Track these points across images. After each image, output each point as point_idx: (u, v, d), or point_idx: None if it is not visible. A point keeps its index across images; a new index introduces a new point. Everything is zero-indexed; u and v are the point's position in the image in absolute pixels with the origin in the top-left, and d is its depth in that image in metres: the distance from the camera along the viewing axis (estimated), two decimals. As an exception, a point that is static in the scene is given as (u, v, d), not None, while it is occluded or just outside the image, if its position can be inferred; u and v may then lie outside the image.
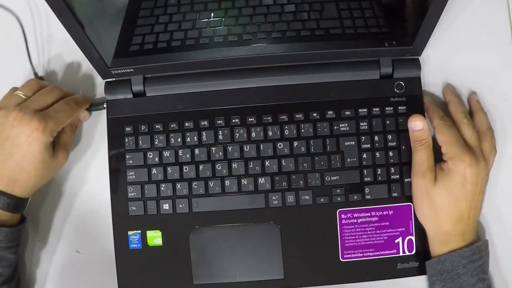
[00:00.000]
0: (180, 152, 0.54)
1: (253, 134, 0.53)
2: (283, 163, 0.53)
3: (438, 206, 0.48)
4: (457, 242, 0.48)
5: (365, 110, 0.53)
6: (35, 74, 0.56)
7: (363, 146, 0.53)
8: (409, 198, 0.52)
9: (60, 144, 0.53)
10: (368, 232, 0.52)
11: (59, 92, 0.53)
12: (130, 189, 0.53)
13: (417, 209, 0.51)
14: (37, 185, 0.52)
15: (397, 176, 0.52)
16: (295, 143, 0.53)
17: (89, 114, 0.56)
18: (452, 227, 0.48)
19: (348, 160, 0.53)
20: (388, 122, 0.53)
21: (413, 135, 0.50)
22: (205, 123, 0.54)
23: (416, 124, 0.50)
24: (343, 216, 0.52)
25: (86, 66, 0.53)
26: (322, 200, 0.52)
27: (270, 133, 0.53)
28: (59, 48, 0.58)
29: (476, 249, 0.48)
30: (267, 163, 0.53)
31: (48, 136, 0.49)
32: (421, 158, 0.49)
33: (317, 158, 0.53)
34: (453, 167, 0.48)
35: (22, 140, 0.48)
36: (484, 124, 0.52)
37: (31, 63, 0.56)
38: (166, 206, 0.53)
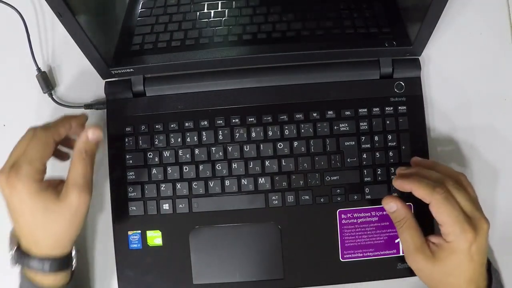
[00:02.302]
0: (180, 152, 0.53)
1: (253, 134, 0.53)
2: (283, 163, 0.53)
3: (445, 280, 0.45)
4: None
5: (365, 110, 0.53)
6: (38, 69, 0.56)
7: (363, 146, 0.53)
8: (409, 198, 0.52)
9: (70, 183, 0.45)
10: (368, 232, 0.52)
11: (39, 134, 0.46)
12: (130, 189, 0.53)
13: (425, 283, 0.47)
14: (66, 237, 0.46)
15: (397, 176, 0.52)
16: (295, 143, 0.53)
17: (99, 130, 0.47)
18: (467, 286, 0.45)
19: (348, 160, 0.53)
20: (388, 122, 0.53)
21: (391, 216, 0.48)
22: (205, 123, 0.54)
23: (390, 206, 0.47)
24: (343, 216, 0.52)
25: (86, 65, 0.53)
26: (322, 200, 0.52)
27: (270, 133, 0.53)
28: (60, 47, 0.58)
29: None
30: (267, 163, 0.53)
31: (26, 183, 0.43)
32: (406, 239, 0.46)
33: (317, 158, 0.53)
34: (456, 248, 0.44)
35: (11, 203, 0.44)
36: (452, 172, 0.47)
37: (34, 59, 0.56)
38: (166, 206, 0.53)
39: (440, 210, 0.44)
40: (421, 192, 0.45)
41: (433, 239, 0.46)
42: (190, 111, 0.54)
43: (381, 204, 0.52)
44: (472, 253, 0.44)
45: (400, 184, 0.47)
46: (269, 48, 0.53)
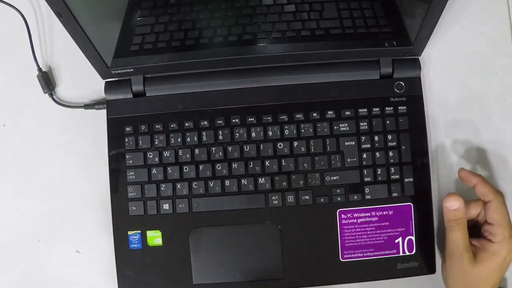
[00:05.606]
0: (180, 152, 0.54)
1: (253, 134, 0.53)
2: (283, 163, 0.53)
3: (473, 284, 0.48)
4: None
5: (365, 110, 0.53)
6: (39, 69, 0.56)
7: (363, 146, 0.53)
8: (409, 198, 0.52)
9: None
10: (368, 232, 0.52)
11: None
12: (130, 189, 0.53)
13: (448, 285, 0.50)
14: None
15: (397, 176, 0.52)
16: (295, 143, 0.53)
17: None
18: None
19: (348, 160, 0.53)
20: (388, 122, 0.53)
21: (448, 214, 0.48)
22: (205, 123, 0.54)
23: (453, 204, 0.48)
24: (343, 216, 0.52)
25: (86, 66, 0.53)
26: (322, 200, 0.52)
27: (270, 133, 0.53)
28: (60, 47, 0.58)
29: None
30: (267, 163, 0.53)
31: None
32: (458, 238, 0.48)
33: (317, 158, 0.53)
34: (499, 251, 0.47)
35: None
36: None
37: (35, 59, 0.56)
38: (166, 206, 0.53)
39: (499, 210, 0.47)
40: (487, 188, 0.48)
41: (474, 241, 0.49)
42: (190, 111, 0.54)
43: (380, 204, 0.52)
44: (506, 261, 0.47)
45: (466, 175, 0.50)
46: (269, 48, 0.53)
